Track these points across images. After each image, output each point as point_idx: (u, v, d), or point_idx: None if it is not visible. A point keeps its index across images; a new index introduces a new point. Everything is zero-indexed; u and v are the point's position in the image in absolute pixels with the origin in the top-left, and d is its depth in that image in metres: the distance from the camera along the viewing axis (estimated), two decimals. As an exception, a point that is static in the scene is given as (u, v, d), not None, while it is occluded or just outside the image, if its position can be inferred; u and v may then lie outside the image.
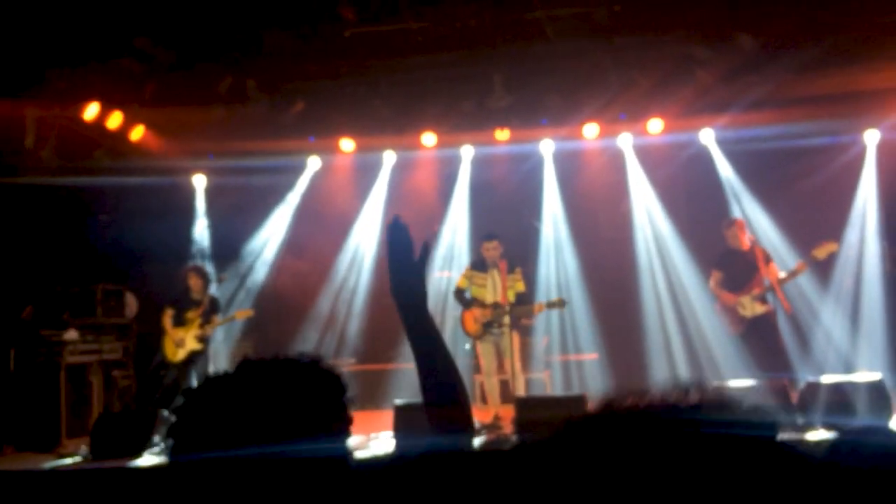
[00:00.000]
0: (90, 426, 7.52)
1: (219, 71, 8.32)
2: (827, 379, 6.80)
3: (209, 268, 9.94)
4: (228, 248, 10.61)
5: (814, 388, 6.53)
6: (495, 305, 7.92)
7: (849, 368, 8.43)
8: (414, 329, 1.74)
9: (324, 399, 1.30)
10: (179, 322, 8.62)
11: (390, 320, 9.76)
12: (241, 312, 9.28)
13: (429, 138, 9.70)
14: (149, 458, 6.67)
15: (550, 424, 0.93)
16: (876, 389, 6.42)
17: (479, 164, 10.50)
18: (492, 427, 7.43)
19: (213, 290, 9.10)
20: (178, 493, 1.23)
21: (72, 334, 8.70)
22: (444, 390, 1.71)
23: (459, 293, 8.18)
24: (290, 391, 1.27)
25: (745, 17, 7.61)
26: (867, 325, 9.05)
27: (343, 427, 1.33)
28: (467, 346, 8.36)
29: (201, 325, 8.54)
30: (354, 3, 7.28)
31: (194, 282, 8.72)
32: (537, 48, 8.03)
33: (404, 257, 1.78)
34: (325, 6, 7.31)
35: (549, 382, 9.22)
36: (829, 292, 9.24)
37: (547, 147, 10.19)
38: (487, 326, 7.94)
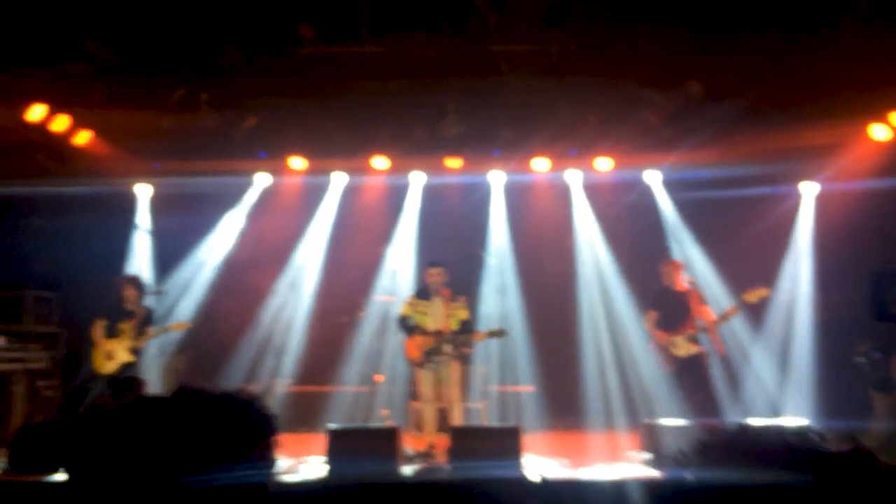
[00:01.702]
0: (10, 437, 7.24)
1: (171, 81, 8.20)
2: (753, 422, 6.93)
3: (148, 279, 9.73)
4: (169, 260, 10.40)
5: (744, 430, 6.65)
6: (437, 333, 7.92)
7: (776, 412, 8.65)
8: None
9: (245, 429, 1.30)
10: (111, 333, 8.37)
11: (328, 343, 9.67)
12: (178, 324, 9.07)
13: (380, 162, 9.72)
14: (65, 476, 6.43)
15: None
16: (802, 435, 6.58)
17: (428, 192, 10.55)
18: (425, 455, 7.39)
19: (149, 302, 8.89)
20: None
21: (-4, 340, 8.42)
22: None
23: (403, 321, 8.16)
24: (211, 420, 1.27)
25: (694, 65, 7.86)
26: (796, 370, 9.32)
27: (265, 456, 1.32)
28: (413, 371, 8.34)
29: (134, 337, 8.32)
30: (314, 22, 7.28)
31: (129, 292, 8.49)
32: (491, 81, 8.14)
33: None
34: (285, 24, 7.29)
35: (485, 412, 9.22)
36: (761, 337, 9.50)
37: (496, 178, 10.30)
38: (429, 354, 7.92)
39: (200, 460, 1.20)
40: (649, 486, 5.76)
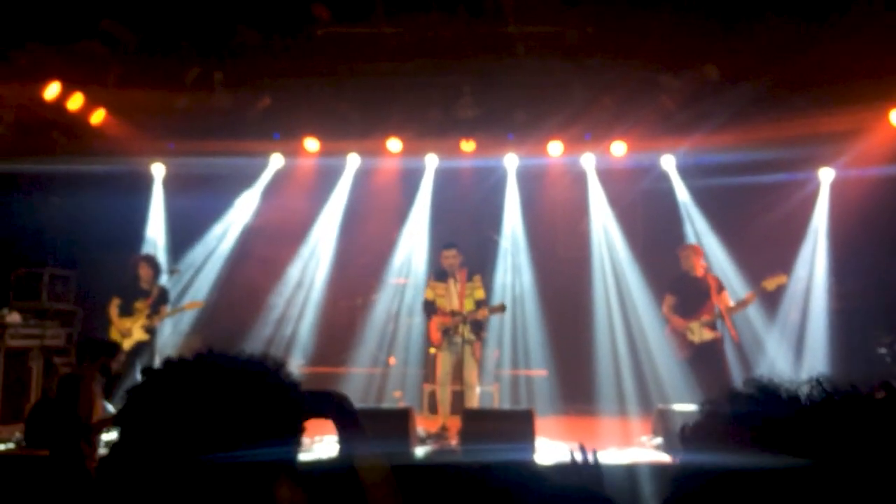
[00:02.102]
0: (26, 412, 7.32)
1: (186, 60, 8.21)
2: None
3: (163, 259, 9.78)
4: (183, 239, 10.43)
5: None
6: (453, 313, 7.94)
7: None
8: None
9: (277, 406, 1.28)
10: (127, 312, 8.44)
11: (342, 324, 9.67)
12: (191, 303, 9.11)
13: (394, 144, 9.69)
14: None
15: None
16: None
17: (442, 174, 10.52)
18: (438, 437, 7.42)
19: (164, 281, 8.94)
20: (117, 489, 1.20)
21: (14, 317, 8.48)
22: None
23: (427, 304, 8.19)
24: (243, 394, 1.25)
25: (711, 49, 7.77)
26: (810, 358, 9.26)
27: (294, 435, 1.31)
28: (432, 351, 8.34)
29: (149, 316, 8.38)
30: (329, 2, 7.25)
31: (144, 271, 8.54)
32: (507, 63, 8.09)
33: None
34: (300, 4, 7.27)
35: (497, 396, 9.25)
36: (776, 324, 9.44)
37: (511, 161, 10.26)
38: (445, 334, 7.96)
39: (227, 436, 1.18)
40: (659, 470, 5.76)
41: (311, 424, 1.40)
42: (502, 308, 8.06)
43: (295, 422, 1.30)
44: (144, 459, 1.16)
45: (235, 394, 1.23)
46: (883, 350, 8.43)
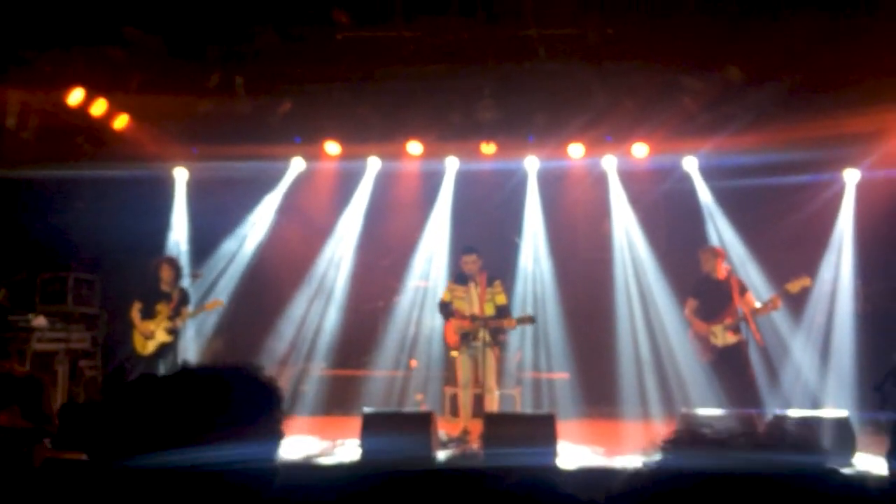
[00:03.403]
0: (54, 416, 7.39)
1: (207, 65, 8.27)
2: (794, 413, 6.84)
3: (185, 263, 9.86)
4: (206, 243, 10.50)
5: (780, 421, 6.57)
6: (473, 317, 7.92)
7: (816, 404, 8.50)
8: None
9: (253, 409, 1.31)
10: (149, 315, 8.49)
11: (364, 327, 9.70)
12: (212, 303, 9.13)
13: (414, 147, 9.70)
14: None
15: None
16: (841, 426, 6.48)
17: (462, 177, 10.51)
18: (459, 441, 7.41)
19: (186, 283, 9.00)
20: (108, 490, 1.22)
21: (40, 321, 8.58)
22: None
23: (444, 306, 8.18)
24: (218, 399, 1.28)
25: (733, 49, 7.70)
26: (836, 361, 9.14)
27: (273, 436, 1.33)
28: (453, 354, 8.33)
29: (171, 318, 8.43)
30: (348, 7, 7.27)
31: (166, 273, 8.59)
32: (528, 65, 8.06)
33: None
34: (319, 8, 7.30)
35: (519, 399, 9.21)
36: (801, 327, 9.33)
37: (532, 164, 10.23)
38: (465, 338, 7.93)
39: (203, 436, 1.21)
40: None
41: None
42: (531, 320, 8.04)
43: (267, 417, 1.33)
44: (122, 459, 1.19)
45: (204, 395, 1.26)
46: None
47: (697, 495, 0.91)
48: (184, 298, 8.63)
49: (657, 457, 0.99)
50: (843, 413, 6.78)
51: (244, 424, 1.27)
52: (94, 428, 1.28)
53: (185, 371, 1.32)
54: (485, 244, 8.48)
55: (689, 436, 0.96)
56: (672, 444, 0.98)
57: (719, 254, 8.23)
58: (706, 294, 8.04)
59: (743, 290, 8.06)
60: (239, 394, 1.30)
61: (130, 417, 1.25)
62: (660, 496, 0.94)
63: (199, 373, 1.32)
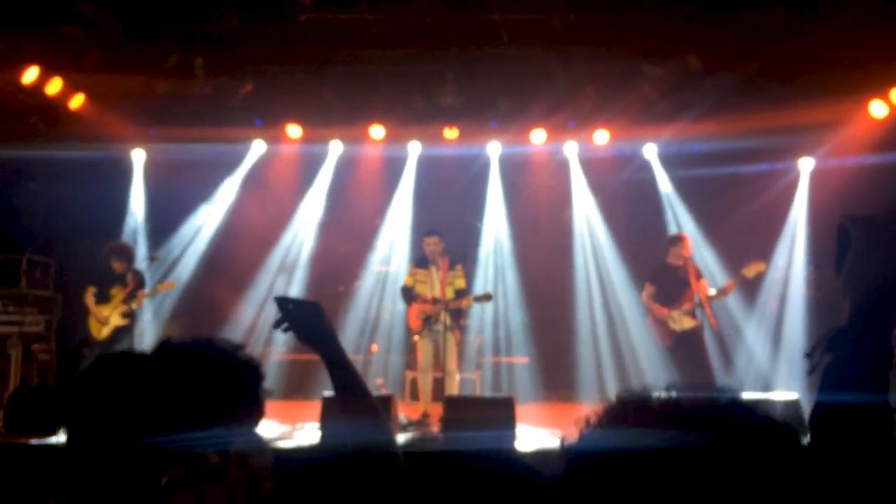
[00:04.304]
0: (5, 400, 7.27)
1: (166, 45, 8.13)
2: (746, 396, 7.00)
3: (143, 245, 9.71)
4: (164, 226, 10.36)
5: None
6: (434, 301, 7.96)
7: (767, 387, 8.71)
8: (332, 362, 1.81)
9: (235, 388, 1.31)
10: (103, 299, 8.36)
11: (325, 311, 9.59)
12: (164, 284, 8.99)
13: (377, 131, 9.67)
14: (63, 437, 6.46)
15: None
16: (791, 408, 6.65)
17: (425, 162, 10.51)
18: (419, 424, 7.45)
19: (141, 266, 8.86)
20: (90, 473, 1.21)
21: (-8, 304, 8.41)
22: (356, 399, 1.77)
23: (406, 291, 8.19)
24: (201, 377, 1.27)
25: (692, 38, 7.80)
26: (788, 346, 9.37)
27: (253, 416, 1.34)
28: (415, 339, 8.34)
29: (125, 301, 8.31)
30: (312, -12, 7.19)
31: (116, 264, 8.44)
32: (491, 50, 8.07)
33: (304, 312, 1.85)
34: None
35: (479, 383, 9.29)
36: (754, 312, 9.54)
37: (494, 149, 10.26)
38: (427, 322, 7.97)
39: (184, 416, 1.21)
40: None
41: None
42: (488, 297, 8.08)
43: (252, 403, 1.34)
44: (97, 444, 1.18)
45: (187, 373, 1.26)
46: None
47: (612, 473, 0.94)
48: (139, 282, 8.50)
49: (577, 437, 1.02)
50: (793, 395, 6.95)
51: (233, 404, 1.26)
52: (48, 412, 1.27)
53: (166, 347, 1.31)
54: (447, 229, 8.50)
55: (608, 415, 0.99)
56: (592, 424, 1.01)
57: (686, 242, 8.34)
58: (664, 280, 8.16)
59: (698, 275, 8.21)
60: (224, 372, 1.29)
61: (134, 397, 1.23)
62: (575, 475, 0.96)
63: (180, 348, 1.31)
